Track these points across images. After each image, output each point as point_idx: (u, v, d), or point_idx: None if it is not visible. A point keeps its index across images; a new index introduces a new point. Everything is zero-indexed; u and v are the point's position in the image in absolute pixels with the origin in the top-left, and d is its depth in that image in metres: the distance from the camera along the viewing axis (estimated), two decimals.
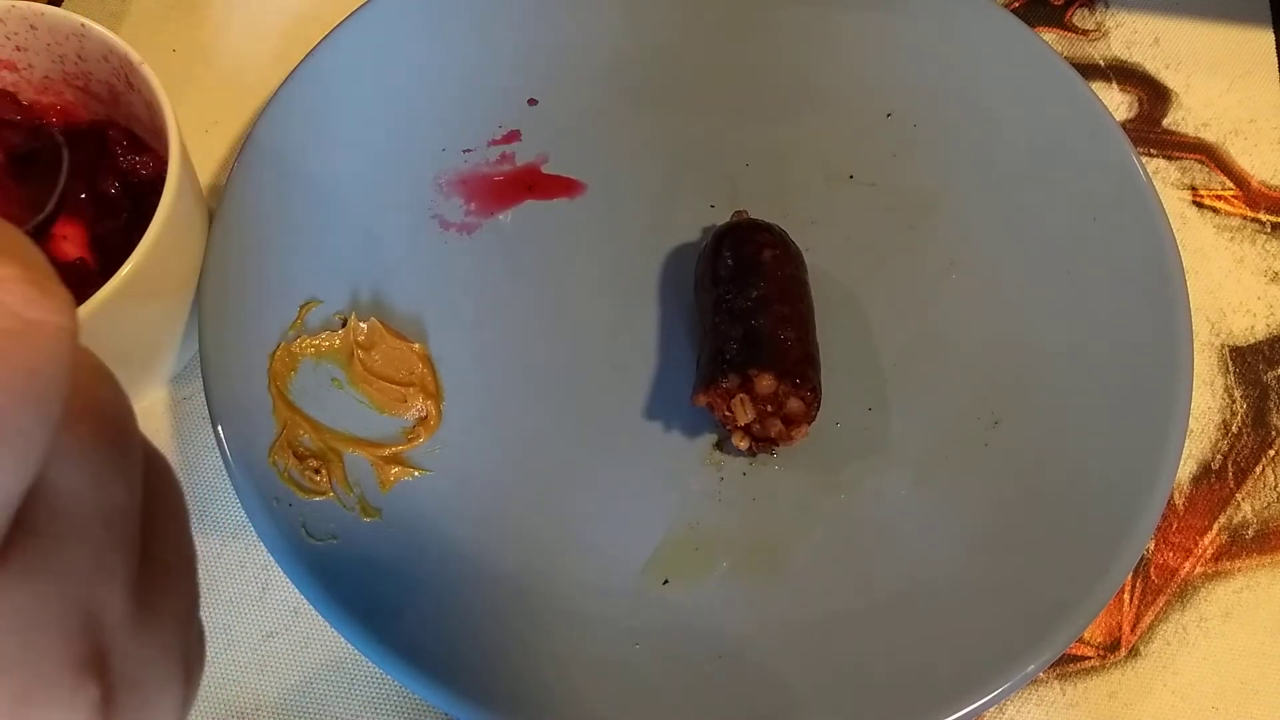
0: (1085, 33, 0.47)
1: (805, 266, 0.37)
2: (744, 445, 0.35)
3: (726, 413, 0.34)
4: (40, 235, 0.33)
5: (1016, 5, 0.47)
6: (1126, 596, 0.37)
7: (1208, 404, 0.40)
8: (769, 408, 0.34)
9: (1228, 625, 0.36)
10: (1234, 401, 0.40)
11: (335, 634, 0.32)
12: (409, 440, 0.36)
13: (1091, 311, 0.38)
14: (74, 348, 0.15)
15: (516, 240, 0.40)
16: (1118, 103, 0.45)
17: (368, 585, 0.33)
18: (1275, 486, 0.38)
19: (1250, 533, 0.38)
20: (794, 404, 0.34)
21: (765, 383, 0.33)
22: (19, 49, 0.35)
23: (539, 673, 0.33)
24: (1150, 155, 0.44)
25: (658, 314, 0.39)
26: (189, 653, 0.18)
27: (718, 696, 0.33)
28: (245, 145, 0.38)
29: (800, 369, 0.34)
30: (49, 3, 0.35)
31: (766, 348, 0.34)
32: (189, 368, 0.39)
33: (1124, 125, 0.43)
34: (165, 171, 0.32)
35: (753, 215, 0.39)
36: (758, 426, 0.34)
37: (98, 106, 0.37)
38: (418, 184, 0.41)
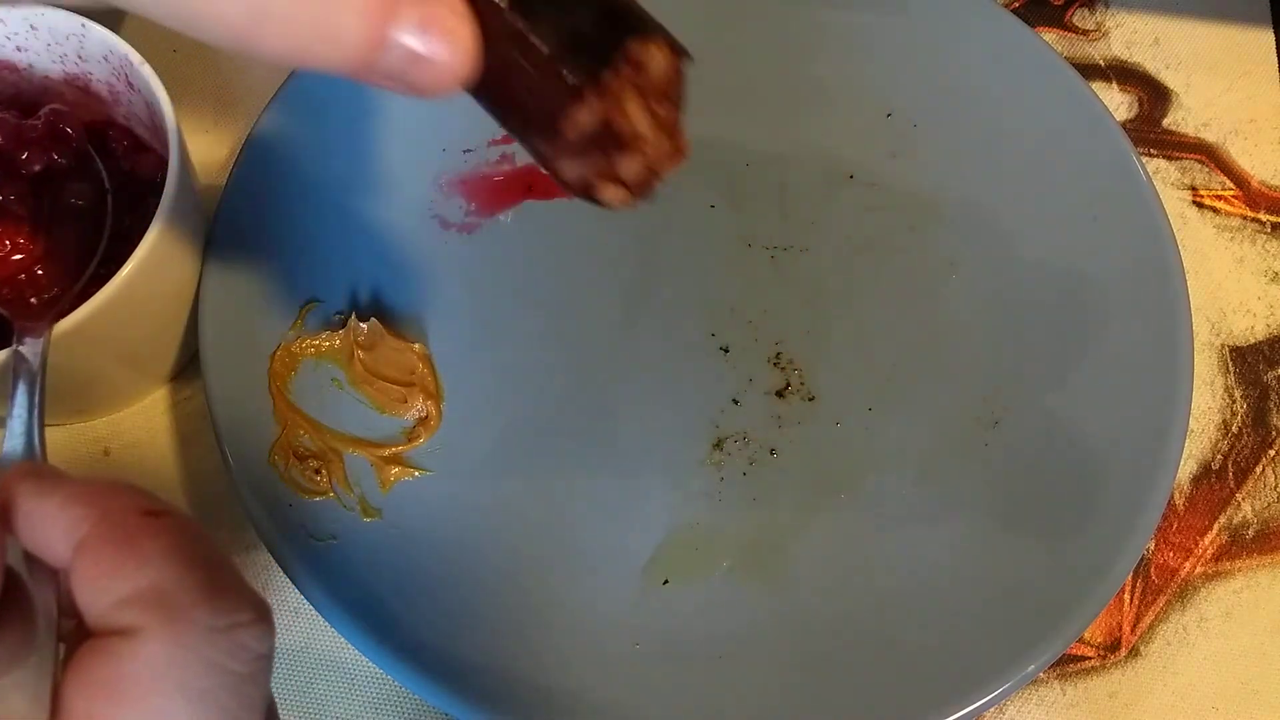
0: (1085, 33, 0.47)
1: None
2: (619, 196, 0.23)
3: (616, 129, 0.22)
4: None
5: (1016, 5, 0.47)
6: (1126, 596, 0.37)
7: (1208, 404, 0.40)
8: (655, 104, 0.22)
9: (1228, 625, 0.36)
10: (1234, 401, 0.40)
11: (335, 634, 0.32)
12: (409, 440, 0.36)
13: (1092, 311, 0.38)
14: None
15: (516, 240, 0.40)
16: (1118, 103, 0.45)
17: (368, 585, 0.33)
18: (1275, 486, 0.38)
19: (1250, 533, 0.38)
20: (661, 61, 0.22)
21: (659, 56, 0.22)
22: (19, 49, 0.35)
23: (539, 673, 0.33)
24: (1150, 155, 0.44)
25: (657, 314, 0.39)
26: None
27: (718, 696, 0.33)
28: (245, 146, 0.38)
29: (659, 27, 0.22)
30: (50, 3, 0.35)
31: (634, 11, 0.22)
32: (189, 368, 0.39)
33: (1124, 125, 0.43)
34: (165, 171, 0.32)
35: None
36: (649, 149, 0.22)
37: (98, 106, 0.37)
38: (418, 184, 0.41)
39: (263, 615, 0.20)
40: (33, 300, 0.32)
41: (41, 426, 0.27)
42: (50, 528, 0.19)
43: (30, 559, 0.20)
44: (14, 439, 0.26)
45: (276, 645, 0.35)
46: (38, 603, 0.19)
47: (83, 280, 0.33)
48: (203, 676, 0.18)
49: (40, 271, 0.33)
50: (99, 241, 0.34)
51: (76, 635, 0.19)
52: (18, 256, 0.33)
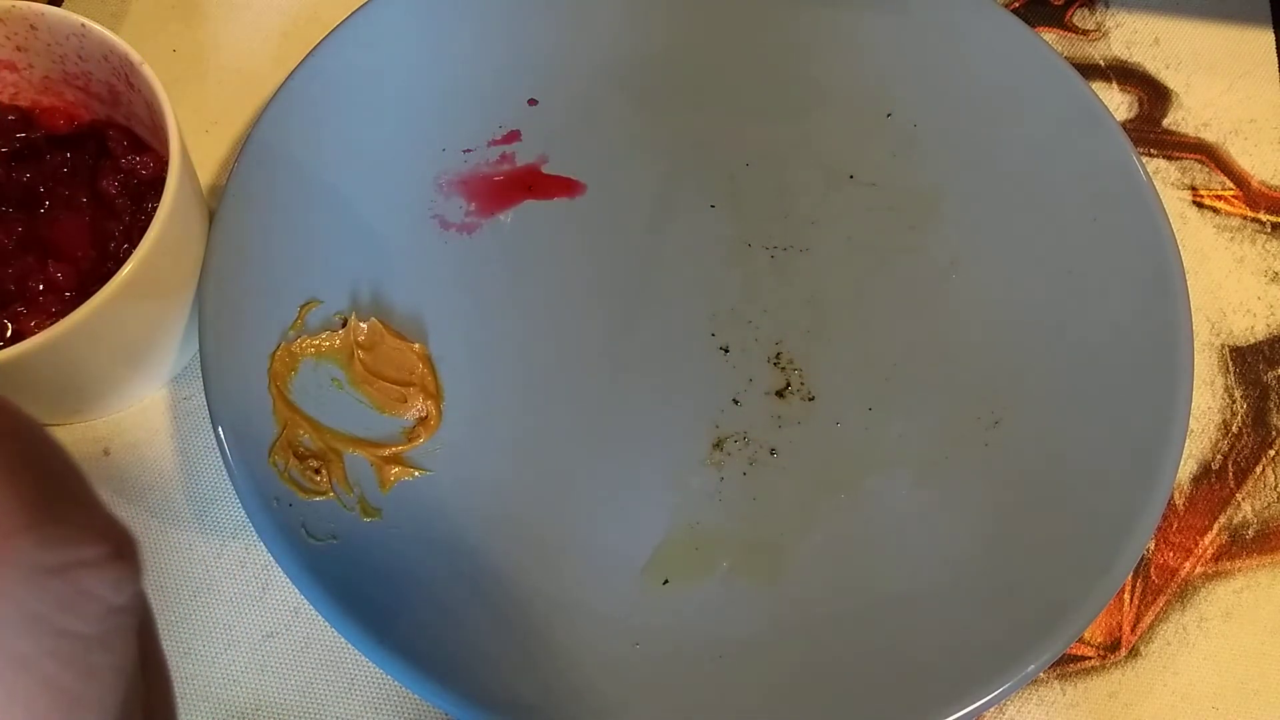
0: (1085, 33, 0.47)
1: None
2: None
3: None
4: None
5: (1016, 5, 0.47)
6: (1126, 596, 0.37)
7: (1208, 404, 0.40)
8: None
9: (1228, 625, 0.36)
10: (1234, 401, 0.40)
11: (335, 634, 0.32)
12: (409, 440, 0.36)
13: (1091, 311, 0.38)
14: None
15: (516, 240, 0.40)
16: (1118, 103, 0.45)
17: (368, 585, 0.33)
18: (1275, 486, 0.38)
19: (1250, 533, 0.38)
20: None
21: None
22: (19, 49, 0.35)
23: (539, 673, 0.33)
24: (1150, 155, 0.44)
25: (657, 314, 0.39)
26: None
27: (718, 696, 0.33)
28: (245, 145, 0.38)
29: None
30: (49, 3, 0.35)
31: None
32: (189, 368, 0.39)
33: (1124, 125, 0.43)
34: (165, 171, 0.32)
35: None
36: None
37: (98, 106, 0.37)
38: (418, 184, 0.41)
39: (122, 550, 0.14)
40: None
41: None
42: None
43: None
44: None
45: (275, 644, 0.35)
46: None
47: None
48: (20, 636, 0.13)
49: None
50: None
51: None
52: None
